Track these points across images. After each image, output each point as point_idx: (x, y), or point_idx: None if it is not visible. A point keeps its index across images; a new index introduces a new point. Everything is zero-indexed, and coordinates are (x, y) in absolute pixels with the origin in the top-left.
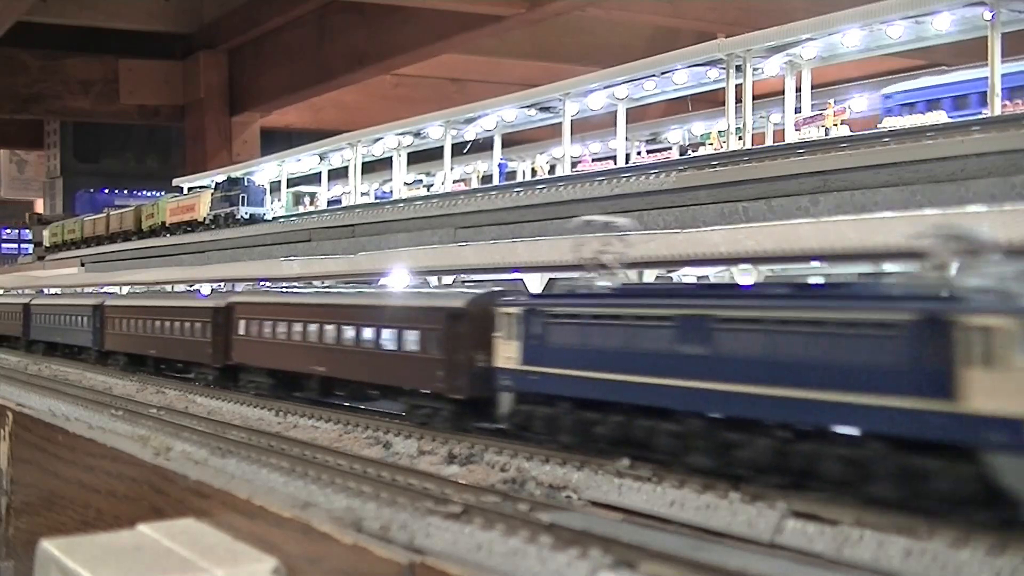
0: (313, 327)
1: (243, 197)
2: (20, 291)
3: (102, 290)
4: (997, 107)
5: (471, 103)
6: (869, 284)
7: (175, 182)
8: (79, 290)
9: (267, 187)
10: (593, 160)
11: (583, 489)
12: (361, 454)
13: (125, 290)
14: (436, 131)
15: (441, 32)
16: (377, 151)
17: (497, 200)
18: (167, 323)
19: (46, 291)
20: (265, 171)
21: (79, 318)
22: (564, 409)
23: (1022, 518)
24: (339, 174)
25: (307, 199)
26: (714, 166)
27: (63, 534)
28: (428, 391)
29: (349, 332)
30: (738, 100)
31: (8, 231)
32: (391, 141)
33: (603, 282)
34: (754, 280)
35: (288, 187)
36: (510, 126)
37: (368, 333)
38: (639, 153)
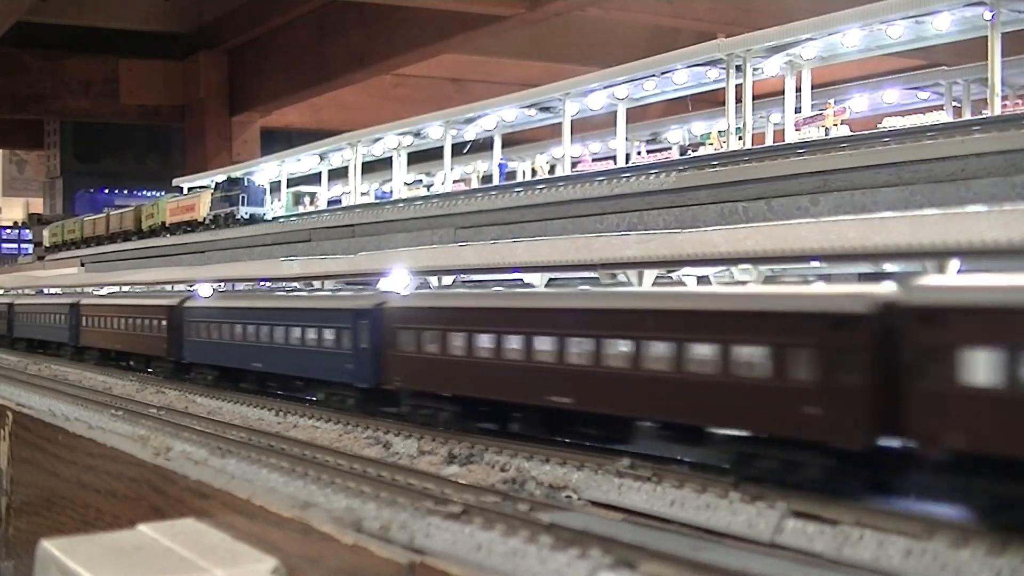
0: None
1: (243, 197)
2: (148, 288)
3: (356, 285)
4: (997, 107)
5: (471, 103)
6: None
7: (175, 182)
8: (293, 287)
9: (267, 187)
10: (593, 160)
11: (583, 489)
12: (361, 454)
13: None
14: (436, 131)
15: (441, 32)
16: (377, 151)
17: (497, 200)
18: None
19: (198, 290)
20: (265, 171)
21: (316, 331)
22: None
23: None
24: (339, 174)
25: (307, 199)
26: (714, 166)
27: (63, 534)
28: None
29: None
30: (738, 100)
31: (8, 231)
32: (391, 141)
33: None
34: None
35: (288, 187)
36: (510, 126)
37: None
38: (639, 153)
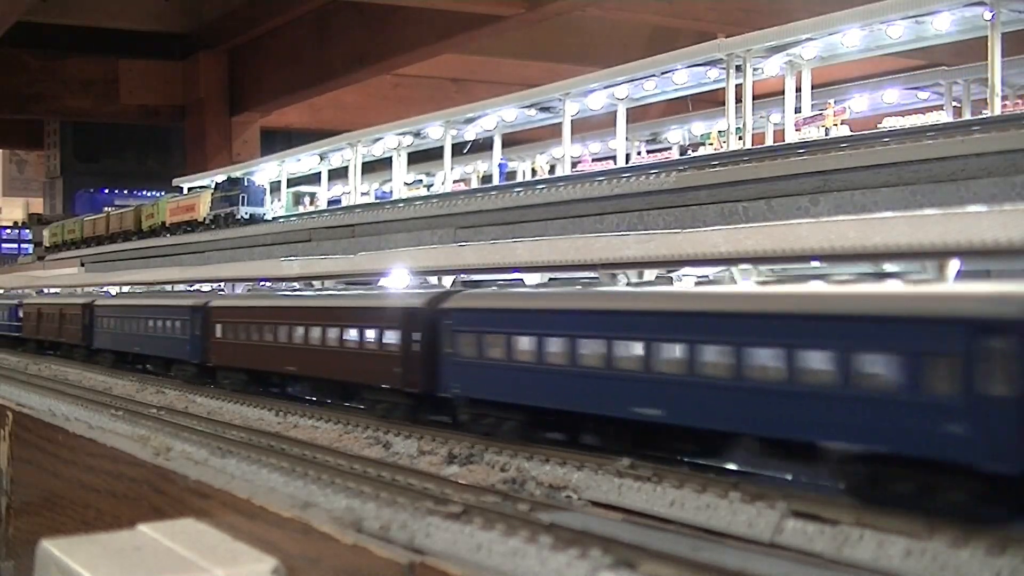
0: None
1: (243, 197)
2: (328, 283)
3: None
4: (997, 107)
5: (471, 103)
6: None
7: (175, 182)
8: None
9: (267, 187)
10: (593, 160)
11: (583, 489)
12: (361, 454)
13: None
14: (436, 131)
15: (441, 32)
16: (377, 151)
17: (497, 200)
18: None
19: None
20: (265, 171)
21: (834, 356)
22: None
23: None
24: (339, 174)
25: (307, 199)
26: (714, 166)
27: (63, 534)
28: None
29: None
30: (738, 100)
31: (8, 231)
32: (391, 141)
33: None
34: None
35: (288, 187)
36: (510, 126)
37: None
38: (639, 153)
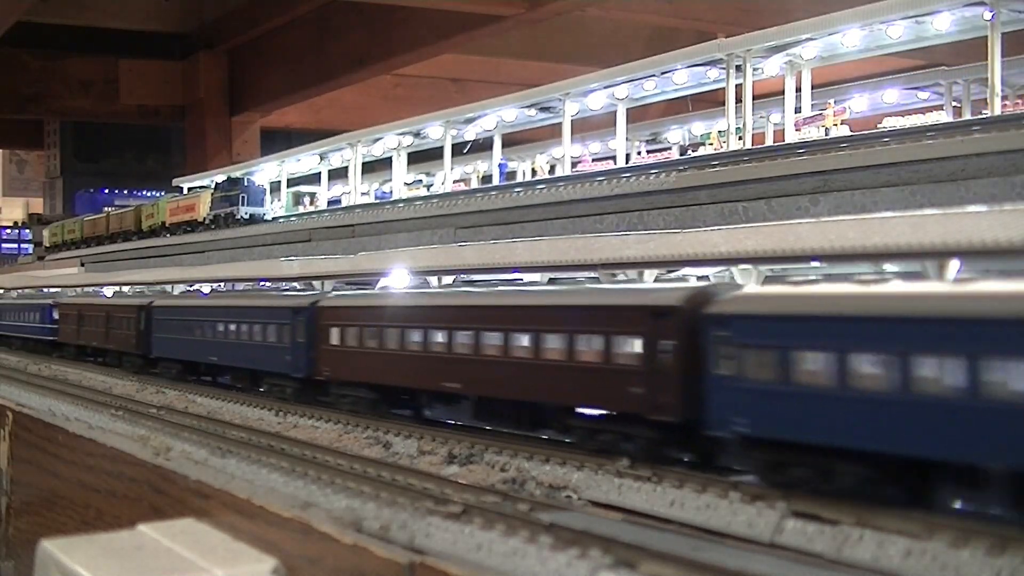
0: None
1: (243, 197)
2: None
3: None
4: (997, 107)
5: (471, 103)
6: None
7: (175, 182)
8: None
9: (267, 187)
10: (593, 160)
11: (583, 489)
12: (361, 454)
13: None
14: (436, 131)
15: (441, 32)
16: (377, 151)
17: (497, 200)
18: None
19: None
20: (265, 171)
21: None
22: None
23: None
24: (339, 174)
25: (307, 199)
26: (714, 166)
27: (63, 534)
28: None
29: None
30: (738, 100)
31: (8, 231)
32: (391, 141)
33: None
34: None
35: (288, 187)
36: (510, 126)
37: None
38: (639, 153)
